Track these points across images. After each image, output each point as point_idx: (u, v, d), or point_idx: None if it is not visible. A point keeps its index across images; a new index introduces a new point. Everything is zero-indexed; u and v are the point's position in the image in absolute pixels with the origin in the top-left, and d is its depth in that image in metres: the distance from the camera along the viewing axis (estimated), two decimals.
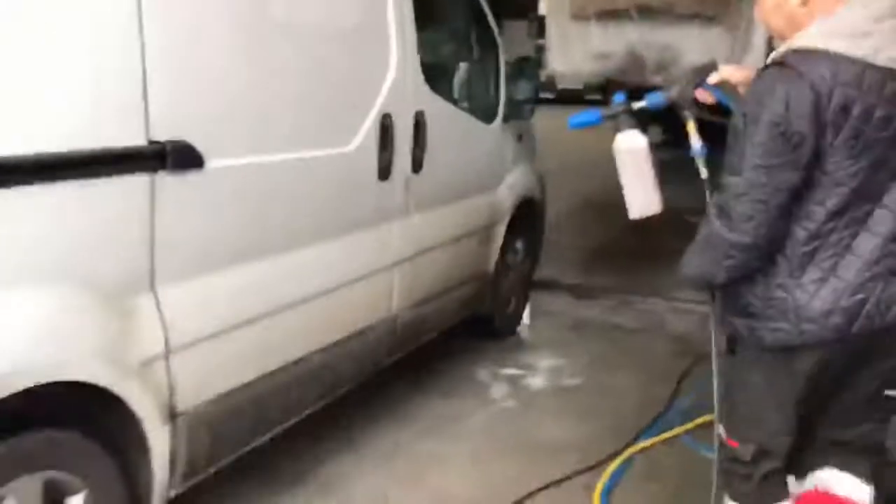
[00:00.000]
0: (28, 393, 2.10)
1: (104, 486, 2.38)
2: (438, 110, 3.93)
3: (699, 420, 3.99)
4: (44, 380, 2.13)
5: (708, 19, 9.72)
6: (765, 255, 2.20)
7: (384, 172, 3.51)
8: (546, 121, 6.57)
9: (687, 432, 3.93)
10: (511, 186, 4.90)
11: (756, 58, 9.45)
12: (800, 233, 2.17)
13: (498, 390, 4.43)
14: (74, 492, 2.31)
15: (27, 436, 2.18)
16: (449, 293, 4.28)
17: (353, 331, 3.45)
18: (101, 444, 2.39)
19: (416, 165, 3.75)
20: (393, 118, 3.52)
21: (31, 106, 2.10)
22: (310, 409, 3.31)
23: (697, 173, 2.42)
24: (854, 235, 2.16)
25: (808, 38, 2.12)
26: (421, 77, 3.78)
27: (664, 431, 3.94)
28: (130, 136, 2.35)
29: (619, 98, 2.53)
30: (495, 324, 5.02)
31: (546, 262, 5.98)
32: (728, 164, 2.20)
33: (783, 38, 2.23)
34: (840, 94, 2.05)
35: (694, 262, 2.34)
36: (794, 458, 2.43)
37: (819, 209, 2.14)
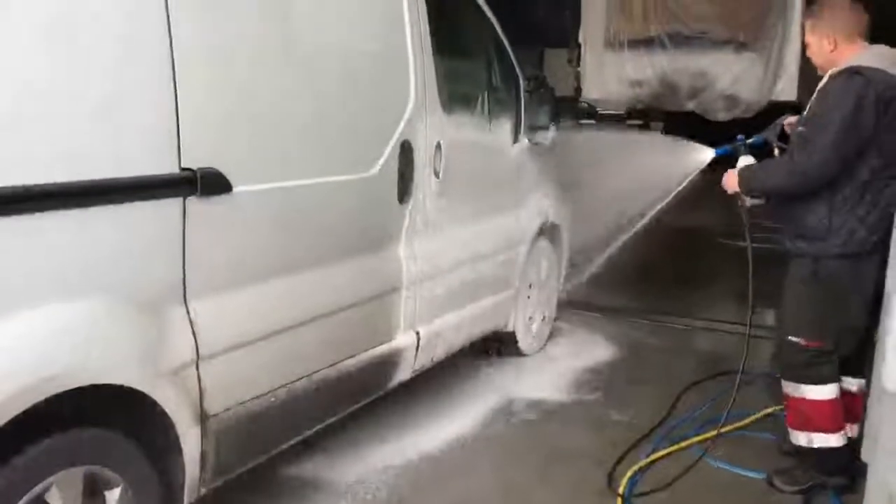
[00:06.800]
0: (73, 395, 2.34)
1: (140, 481, 2.60)
2: (457, 136, 4.15)
3: (712, 433, 4.14)
4: (86, 383, 2.37)
5: (740, 45, 9.84)
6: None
7: (404, 196, 3.74)
8: (585, 146, 6.79)
9: (699, 444, 4.07)
10: (533, 208, 5.11)
11: (789, 81, 9.57)
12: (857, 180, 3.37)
13: (520, 403, 4.61)
14: (112, 486, 2.53)
15: (72, 433, 2.41)
16: (471, 311, 4.47)
17: (376, 344, 3.67)
18: (137, 443, 2.61)
19: (436, 189, 3.97)
20: (412, 144, 3.75)
21: (76, 139, 2.34)
22: (335, 417, 3.52)
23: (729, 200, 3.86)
24: (884, 186, 3.38)
25: (860, 61, 3.35)
26: (440, 105, 4.00)
27: (676, 442, 4.09)
28: (164, 165, 2.60)
29: (739, 138, 3.93)
30: (519, 342, 5.20)
31: (578, 284, 6.15)
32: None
33: (824, 70, 3.54)
34: (888, 93, 3.29)
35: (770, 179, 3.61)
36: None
37: (867, 167, 3.35)
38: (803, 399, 3.58)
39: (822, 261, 3.48)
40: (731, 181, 3.73)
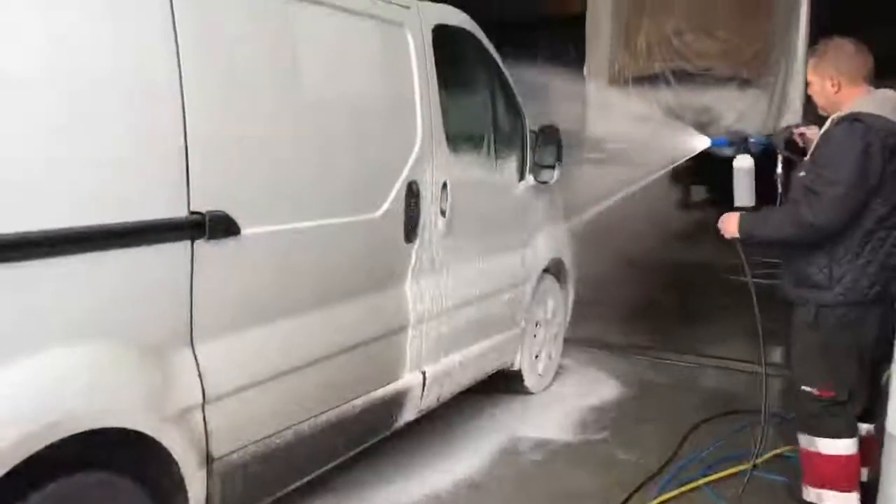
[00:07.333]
0: (78, 439, 2.34)
1: None
2: (463, 175, 4.17)
3: (722, 473, 4.11)
4: (90, 427, 2.37)
5: (744, 82, 9.91)
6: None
7: (410, 235, 3.75)
8: (591, 181, 6.85)
9: (708, 484, 4.03)
10: (538, 247, 5.11)
11: (793, 116, 9.62)
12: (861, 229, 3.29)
13: (526, 443, 4.57)
14: None
15: (77, 477, 2.40)
16: (477, 350, 4.47)
17: (382, 384, 3.66)
18: (142, 486, 2.60)
19: (442, 228, 3.99)
20: (419, 185, 3.77)
21: (84, 183, 2.37)
22: (341, 458, 3.51)
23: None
24: (886, 236, 3.32)
25: (863, 106, 3.28)
26: (446, 145, 4.02)
27: (684, 483, 4.04)
28: (174, 208, 2.62)
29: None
30: (525, 381, 5.18)
31: (584, 321, 6.14)
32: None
33: (826, 111, 3.46)
34: (890, 141, 3.24)
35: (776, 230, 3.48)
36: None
37: (873, 216, 3.28)
38: (818, 454, 3.45)
39: (825, 309, 3.38)
40: (729, 226, 3.60)
